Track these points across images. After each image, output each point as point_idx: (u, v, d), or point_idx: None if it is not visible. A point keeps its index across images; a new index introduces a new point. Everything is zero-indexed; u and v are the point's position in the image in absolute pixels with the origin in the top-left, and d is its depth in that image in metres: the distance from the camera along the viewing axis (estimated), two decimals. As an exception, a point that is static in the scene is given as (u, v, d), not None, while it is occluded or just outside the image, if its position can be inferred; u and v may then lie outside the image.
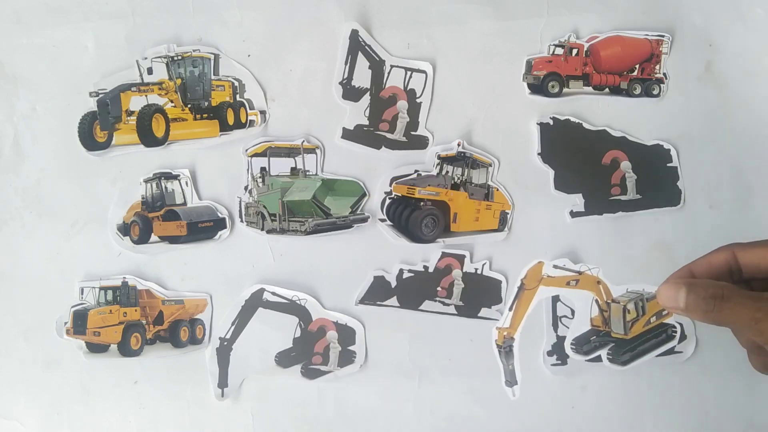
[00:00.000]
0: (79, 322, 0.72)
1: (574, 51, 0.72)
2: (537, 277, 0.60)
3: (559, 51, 0.71)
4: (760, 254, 0.47)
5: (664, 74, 0.72)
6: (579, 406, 0.72)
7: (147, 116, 0.71)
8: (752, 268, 0.47)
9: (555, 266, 0.60)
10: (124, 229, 0.72)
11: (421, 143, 0.72)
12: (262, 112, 0.72)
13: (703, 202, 0.72)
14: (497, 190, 0.72)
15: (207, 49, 0.71)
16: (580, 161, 0.72)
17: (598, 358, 0.72)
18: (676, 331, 0.62)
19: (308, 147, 0.72)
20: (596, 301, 0.59)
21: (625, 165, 0.72)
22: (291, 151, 0.72)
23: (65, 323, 0.72)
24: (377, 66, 0.71)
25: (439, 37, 0.72)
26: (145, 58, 0.71)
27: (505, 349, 0.62)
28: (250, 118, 0.72)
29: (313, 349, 0.73)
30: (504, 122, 0.72)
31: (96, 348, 0.72)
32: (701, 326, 0.71)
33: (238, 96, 0.72)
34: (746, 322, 0.42)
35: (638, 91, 0.72)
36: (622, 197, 0.72)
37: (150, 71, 0.72)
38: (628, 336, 0.61)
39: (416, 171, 0.72)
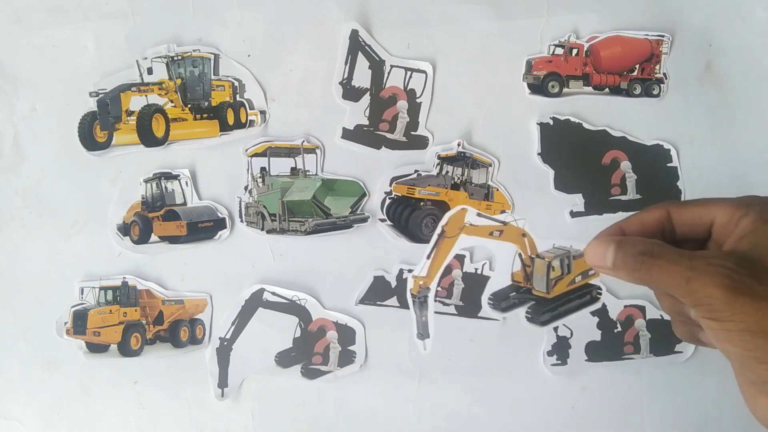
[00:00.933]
0: (79, 322, 0.72)
1: (574, 51, 0.72)
2: (458, 225, 0.55)
3: (559, 51, 0.71)
4: (694, 214, 0.43)
5: (664, 74, 0.72)
6: (579, 406, 0.72)
7: (147, 116, 0.71)
8: (686, 228, 0.44)
9: (479, 214, 0.55)
10: (124, 229, 0.72)
11: (421, 143, 0.72)
12: (262, 112, 0.72)
13: (703, 202, 0.72)
14: (497, 190, 0.72)
15: (207, 49, 0.71)
16: (580, 161, 0.72)
17: (598, 358, 0.72)
18: (601, 293, 0.57)
19: (308, 147, 0.72)
20: (519, 255, 0.56)
21: (625, 165, 0.72)
22: (291, 151, 0.72)
23: (65, 323, 0.72)
24: (377, 66, 0.71)
25: (439, 37, 0.72)
26: (145, 58, 0.71)
27: (420, 299, 0.58)
28: (250, 118, 0.72)
29: (313, 349, 0.73)
30: (504, 122, 0.72)
31: (96, 348, 0.72)
32: (701, 326, 0.72)
33: (238, 96, 0.72)
34: (677, 282, 0.38)
35: (638, 91, 0.72)
36: (622, 197, 0.72)
37: (150, 71, 0.72)
38: (550, 295, 0.56)
39: (416, 171, 0.72)
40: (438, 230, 0.55)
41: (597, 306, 0.57)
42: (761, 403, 0.39)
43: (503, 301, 0.57)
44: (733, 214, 0.40)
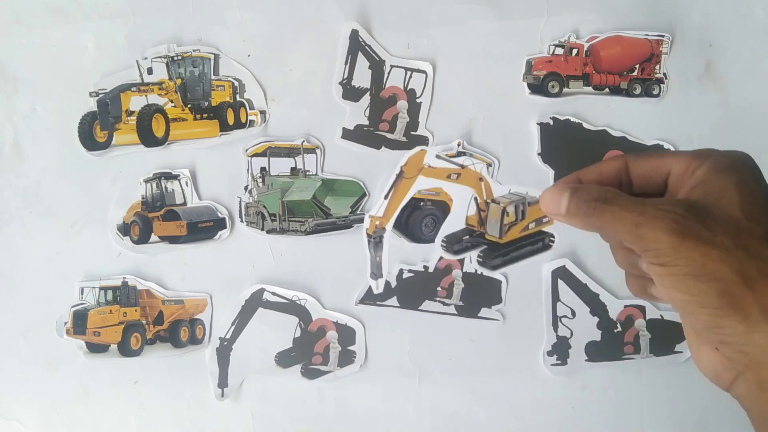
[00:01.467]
0: (79, 322, 0.72)
1: (574, 51, 0.72)
2: (417, 166, 0.55)
3: (559, 51, 0.71)
4: (651, 165, 0.43)
5: (664, 74, 0.72)
6: (579, 406, 0.72)
7: (147, 116, 0.71)
8: (643, 180, 0.44)
9: (437, 156, 0.55)
10: (124, 229, 0.72)
11: (421, 143, 0.72)
12: (262, 112, 0.72)
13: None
14: (497, 190, 0.72)
15: (207, 49, 0.71)
16: (580, 161, 0.72)
17: (598, 358, 0.72)
18: (553, 242, 0.57)
19: (308, 147, 0.72)
20: (475, 198, 0.55)
21: (625, 165, 0.71)
22: (291, 151, 0.72)
23: (65, 323, 0.72)
24: (377, 66, 0.71)
25: (439, 37, 0.72)
26: (145, 58, 0.71)
27: (375, 239, 0.58)
28: (250, 118, 0.72)
29: (313, 349, 0.73)
30: (504, 122, 0.72)
31: (96, 348, 0.72)
32: (701, 326, 0.72)
33: (238, 96, 0.72)
34: (627, 227, 0.38)
35: (638, 91, 0.72)
36: (622, 197, 0.71)
37: (150, 71, 0.72)
38: (503, 240, 0.56)
39: (416, 171, 0.72)
40: (396, 170, 0.55)
41: (547, 253, 0.57)
42: (705, 353, 0.39)
43: (456, 243, 0.57)
44: (688, 165, 0.40)
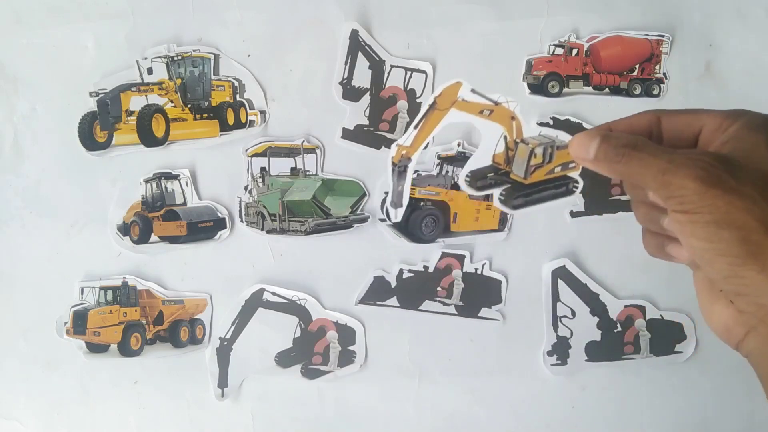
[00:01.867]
0: (79, 322, 0.72)
1: (574, 51, 0.72)
2: (451, 99, 0.54)
3: (559, 51, 0.71)
4: (684, 122, 0.44)
5: (664, 74, 0.72)
6: (579, 406, 0.72)
7: (147, 116, 0.71)
8: (674, 135, 0.44)
9: (473, 90, 0.54)
10: (124, 229, 0.72)
11: (421, 143, 0.72)
12: (262, 112, 0.72)
13: (703, 202, 0.72)
14: (497, 190, 0.72)
15: (207, 49, 0.71)
16: (580, 161, 0.72)
17: (598, 358, 0.72)
18: (577, 187, 0.56)
19: (308, 147, 0.72)
20: (505, 137, 0.54)
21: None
22: (291, 151, 0.72)
23: (65, 323, 0.72)
24: (377, 66, 0.71)
25: (439, 37, 0.71)
26: (145, 58, 0.71)
27: (400, 168, 0.56)
28: (250, 118, 0.72)
29: (313, 349, 0.73)
30: (504, 122, 0.71)
31: (96, 348, 0.72)
32: (701, 326, 0.72)
33: (238, 96, 0.72)
34: (654, 173, 0.39)
35: (638, 91, 0.72)
36: (622, 197, 0.72)
37: (150, 71, 0.72)
38: (527, 181, 0.55)
39: (416, 171, 0.72)
40: (429, 101, 0.54)
41: (571, 199, 0.57)
42: (717, 309, 0.40)
43: (480, 180, 0.55)
44: (721, 123, 0.40)
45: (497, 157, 0.55)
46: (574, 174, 0.56)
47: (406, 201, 0.56)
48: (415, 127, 0.55)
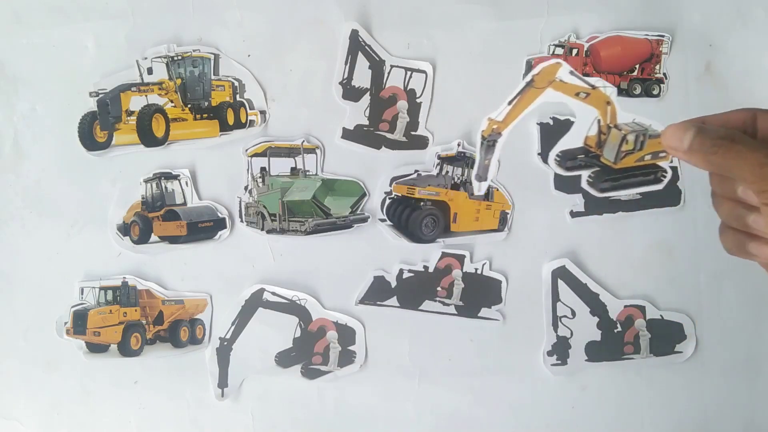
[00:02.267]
0: (79, 322, 0.72)
1: (574, 51, 0.72)
2: (549, 78, 0.55)
3: (559, 51, 0.71)
4: None
5: (664, 74, 0.72)
6: (579, 406, 0.72)
7: (147, 116, 0.71)
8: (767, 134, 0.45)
9: (571, 72, 0.55)
10: (124, 229, 0.72)
11: (421, 143, 0.72)
12: (262, 112, 0.72)
13: (703, 202, 0.72)
14: (497, 190, 0.72)
15: (207, 49, 0.71)
16: (580, 161, 0.72)
17: (598, 358, 0.72)
18: (665, 176, 0.59)
19: (308, 147, 0.72)
20: (598, 121, 0.56)
21: (625, 165, 0.71)
22: (291, 151, 0.72)
23: (65, 323, 0.72)
24: (377, 66, 0.71)
25: (439, 37, 0.71)
26: (145, 58, 0.71)
27: (489, 142, 0.57)
28: (250, 118, 0.72)
29: (313, 349, 0.73)
30: (504, 122, 0.72)
31: (96, 348, 0.72)
32: (701, 326, 0.72)
33: (238, 96, 0.72)
34: (751, 166, 0.40)
35: (638, 91, 0.72)
36: (622, 197, 0.72)
37: (150, 71, 0.72)
38: (617, 165, 0.56)
39: (416, 171, 0.72)
40: (527, 78, 0.55)
41: (658, 187, 0.59)
42: None
43: (570, 160, 0.57)
44: None
45: (589, 140, 0.56)
46: (664, 164, 0.57)
47: (491, 175, 0.57)
48: (509, 103, 0.55)
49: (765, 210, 0.39)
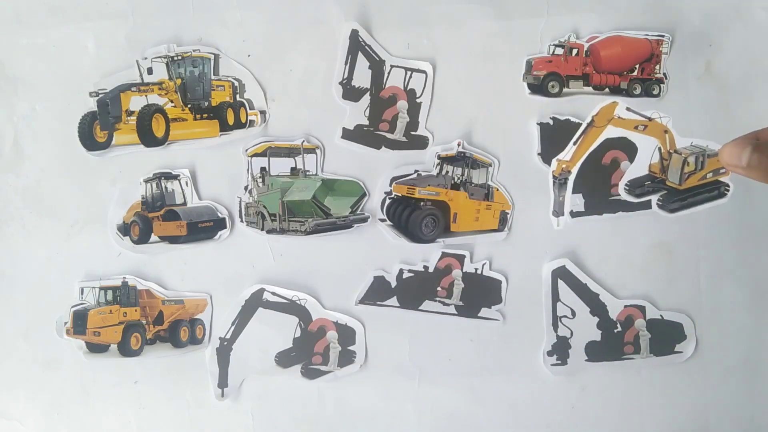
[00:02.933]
0: (79, 322, 0.72)
1: (574, 51, 0.72)
2: (608, 117, 0.61)
3: (559, 51, 0.71)
4: None
5: (664, 74, 0.72)
6: (579, 406, 0.72)
7: (147, 116, 0.71)
8: None
9: (627, 109, 0.61)
10: (124, 229, 0.72)
11: (421, 143, 0.72)
12: (262, 112, 0.72)
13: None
14: (497, 190, 0.72)
15: (207, 49, 0.71)
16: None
17: (598, 358, 0.72)
18: (728, 190, 0.63)
19: (308, 147, 0.72)
20: (659, 148, 0.62)
21: (625, 165, 0.71)
22: (291, 151, 0.72)
23: (65, 323, 0.72)
24: (377, 66, 0.71)
25: (439, 37, 0.71)
26: (145, 58, 0.71)
27: (560, 180, 0.64)
28: (250, 118, 0.72)
29: (313, 349, 0.73)
30: (504, 122, 0.72)
31: (96, 348, 0.72)
32: (701, 326, 0.72)
33: (238, 96, 0.72)
34: None
35: (638, 91, 0.72)
36: (622, 197, 0.72)
37: (150, 71, 0.72)
38: (682, 186, 0.62)
39: (416, 171, 0.72)
40: (588, 119, 0.62)
41: (723, 201, 0.63)
42: None
43: (638, 188, 0.63)
44: None
45: (653, 167, 0.63)
46: (725, 179, 0.62)
47: (567, 210, 0.64)
48: (575, 143, 0.62)
49: None
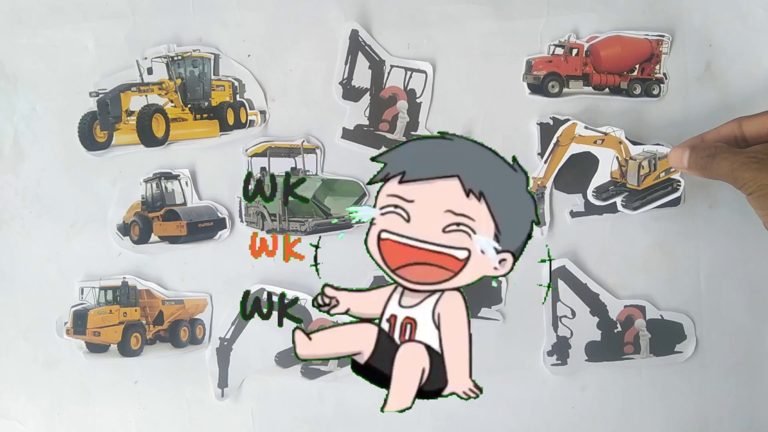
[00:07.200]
0: (79, 322, 0.72)
1: (574, 51, 0.72)
2: (570, 136, 0.70)
3: (559, 51, 0.71)
4: (761, 122, 0.57)
5: (664, 74, 0.72)
6: (579, 406, 0.72)
7: (147, 116, 0.71)
8: (755, 136, 0.57)
9: (586, 127, 0.70)
10: (124, 229, 0.72)
11: (421, 143, 0.72)
12: (262, 112, 0.72)
13: (703, 202, 0.72)
14: (497, 190, 0.72)
15: (207, 49, 0.71)
16: (580, 161, 0.72)
17: (598, 358, 0.72)
18: (680, 185, 0.70)
19: (308, 147, 0.72)
20: (617, 157, 0.70)
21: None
22: (291, 151, 0.72)
23: (65, 323, 0.72)
24: (377, 66, 0.71)
25: (439, 37, 0.72)
26: (145, 58, 0.71)
27: (538, 195, 0.71)
28: (250, 118, 0.72)
29: (313, 349, 0.72)
30: (504, 122, 0.72)
31: (96, 348, 0.72)
32: (701, 326, 0.72)
33: (238, 96, 0.72)
34: (726, 173, 0.53)
35: (638, 91, 0.72)
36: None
37: (150, 71, 0.72)
38: (640, 187, 0.70)
39: (416, 171, 0.72)
40: (553, 141, 0.70)
41: (677, 195, 0.71)
42: None
43: (604, 192, 0.71)
44: None
45: (614, 173, 0.71)
46: (676, 176, 0.71)
47: (548, 220, 0.71)
48: (545, 162, 0.71)
49: (747, 198, 0.53)
